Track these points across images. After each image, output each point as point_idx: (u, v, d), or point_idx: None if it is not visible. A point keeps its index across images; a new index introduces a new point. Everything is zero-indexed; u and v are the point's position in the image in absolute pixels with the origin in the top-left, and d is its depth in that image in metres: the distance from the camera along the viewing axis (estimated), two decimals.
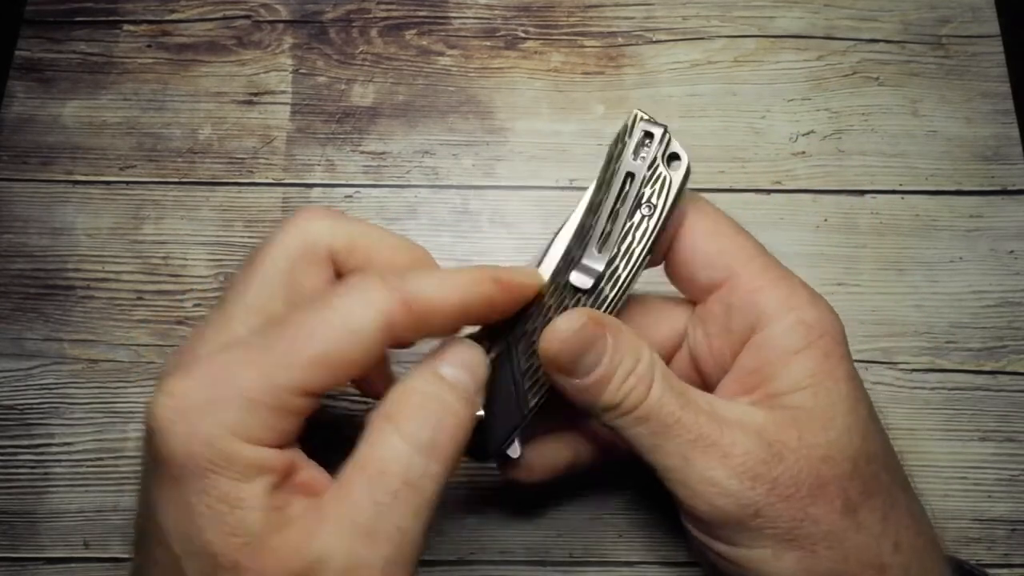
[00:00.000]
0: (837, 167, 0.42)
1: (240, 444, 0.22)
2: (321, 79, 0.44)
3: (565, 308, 0.27)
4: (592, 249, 0.27)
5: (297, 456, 0.24)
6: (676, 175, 0.26)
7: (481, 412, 0.27)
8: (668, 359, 0.30)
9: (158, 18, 0.45)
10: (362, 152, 0.42)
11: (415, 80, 0.44)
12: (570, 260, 0.27)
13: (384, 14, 0.45)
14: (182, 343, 0.28)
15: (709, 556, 0.27)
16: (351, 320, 0.23)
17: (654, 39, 0.44)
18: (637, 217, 0.27)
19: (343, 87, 0.43)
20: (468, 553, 0.36)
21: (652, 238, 0.27)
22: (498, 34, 0.44)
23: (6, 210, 0.41)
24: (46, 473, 0.37)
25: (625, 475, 0.37)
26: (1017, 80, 0.43)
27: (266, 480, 0.23)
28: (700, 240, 0.28)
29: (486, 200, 0.42)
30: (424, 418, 0.24)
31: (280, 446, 0.23)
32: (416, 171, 0.42)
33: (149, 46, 0.44)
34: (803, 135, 0.42)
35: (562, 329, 0.25)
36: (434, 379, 0.25)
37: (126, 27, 0.44)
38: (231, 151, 0.42)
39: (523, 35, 0.44)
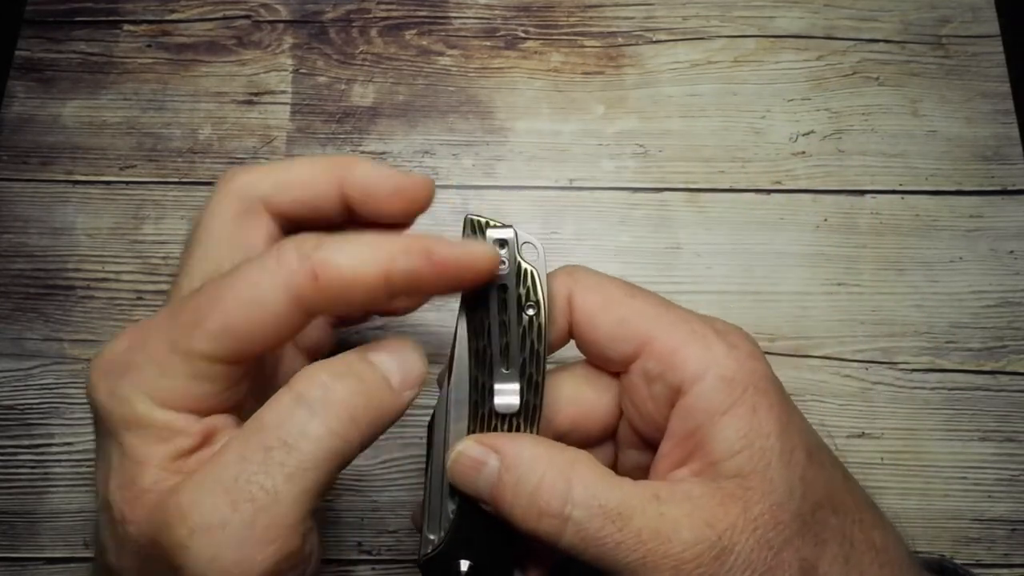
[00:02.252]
0: (837, 167, 0.42)
1: (151, 407, 0.22)
2: (321, 79, 0.44)
3: (501, 427, 0.27)
4: (499, 369, 0.26)
5: (220, 422, 0.23)
6: (539, 263, 0.26)
7: (465, 568, 0.27)
8: (613, 428, 0.29)
9: (158, 18, 0.45)
10: (362, 152, 0.42)
11: (415, 80, 0.44)
12: (482, 388, 0.26)
13: (384, 14, 0.45)
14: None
15: None
16: (256, 291, 0.22)
17: (654, 39, 0.44)
18: (525, 320, 0.26)
19: (343, 87, 0.43)
20: None
21: (546, 331, 0.26)
22: (498, 34, 0.44)
23: (6, 210, 0.41)
24: (46, 473, 0.37)
25: None
26: (1017, 80, 0.43)
27: (176, 444, 0.22)
28: (596, 316, 0.27)
29: (486, 200, 0.42)
30: (321, 382, 0.22)
31: (200, 412, 0.23)
32: (416, 171, 0.42)
33: (149, 46, 0.44)
34: (803, 135, 0.42)
35: (453, 455, 0.25)
36: (356, 356, 0.24)
37: (126, 27, 0.44)
38: (231, 151, 0.42)
39: (523, 35, 0.44)
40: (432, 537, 0.27)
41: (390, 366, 0.24)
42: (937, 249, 0.40)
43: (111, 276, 0.40)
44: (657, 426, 0.26)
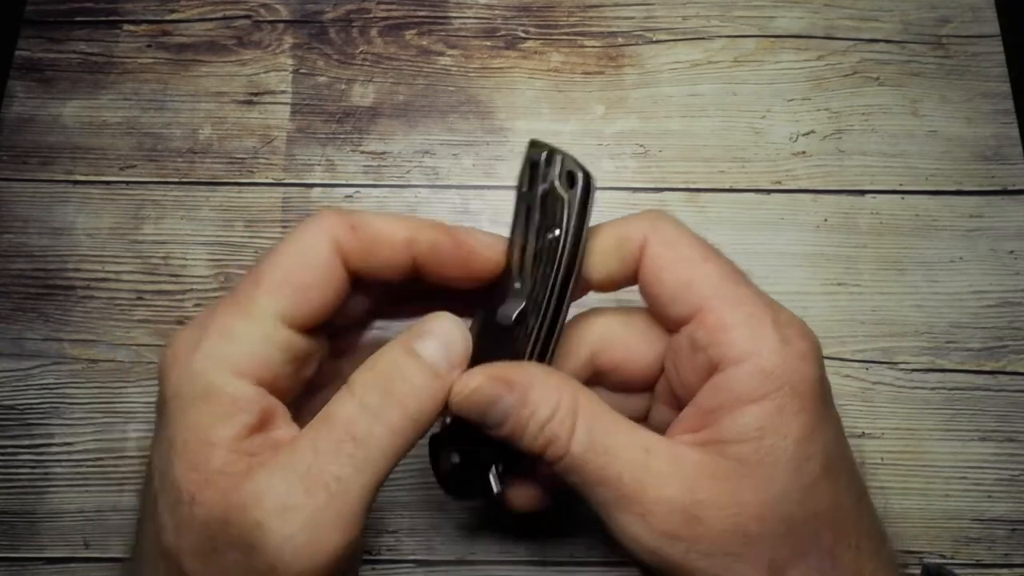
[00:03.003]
0: (837, 167, 0.42)
1: (223, 375, 0.24)
2: (321, 79, 0.44)
3: (500, 346, 0.27)
4: (513, 283, 0.27)
5: (279, 409, 0.25)
6: (573, 193, 0.25)
7: (456, 459, 0.28)
8: (652, 382, 0.29)
9: (158, 18, 0.45)
10: (362, 152, 0.42)
11: (415, 80, 0.44)
12: (495, 298, 0.27)
13: (384, 14, 0.45)
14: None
15: None
16: (303, 242, 0.25)
17: (654, 39, 0.44)
18: (544, 243, 0.26)
19: (343, 87, 0.43)
20: (468, 553, 0.36)
21: (563, 261, 0.26)
22: (498, 34, 0.44)
23: (6, 210, 0.41)
24: (46, 473, 0.37)
25: None
26: (1017, 80, 0.43)
27: (241, 421, 0.23)
28: (664, 271, 0.26)
29: (486, 200, 0.42)
30: (378, 382, 0.24)
31: (262, 383, 0.24)
32: (416, 171, 0.42)
33: (149, 46, 0.44)
34: (803, 135, 0.42)
35: (457, 392, 0.25)
36: (401, 350, 0.25)
37: (126, 27, 0.44)
38: (231, 151, 0.42)
39: (523, 35, 0.44)
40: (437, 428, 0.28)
41: (435, 353, 0.25)
42: (937, 249, 0.40)
43: (111, 276, 0.40)
44: (691, 392, 0.27)
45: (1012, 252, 0.40)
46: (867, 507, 0.26)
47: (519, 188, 0.27)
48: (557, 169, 0.26)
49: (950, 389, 0.38)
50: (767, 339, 0.25)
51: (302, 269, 0.25)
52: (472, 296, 0.28)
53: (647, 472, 0.24)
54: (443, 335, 0.25)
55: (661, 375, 0.29)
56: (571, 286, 0.26)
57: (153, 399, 0.38)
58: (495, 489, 0.28)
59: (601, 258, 0.27)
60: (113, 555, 0.36)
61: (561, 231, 0.25)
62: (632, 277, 0.27)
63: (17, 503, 0.37)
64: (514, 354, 0.26)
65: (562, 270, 0.26)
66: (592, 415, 0.25)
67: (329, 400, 0.24)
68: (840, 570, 0.25)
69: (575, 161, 0.26)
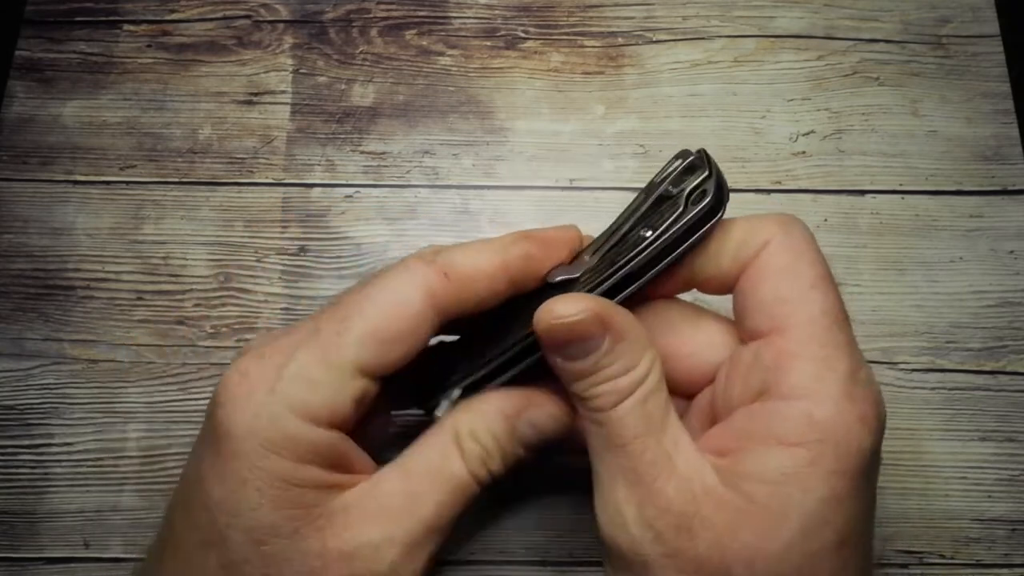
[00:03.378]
0: (837, 167, 0.42)
1: (301, 423, 0.24)
2: (321, 79, 0.44)
3: (528, 303, 0.26)
4: (583, 256, 0.27)
5: (351, 447, 0.25)
6: (692, 211, 0.24)
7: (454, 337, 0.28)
8: (698, 388, 0.27)
9: (158, 18, 0.45)
10: (362, 152, 0.42)
11: (415, 80, 0.44)
12: (571, 260, 0.27)
13: (384, 14, 0.45)
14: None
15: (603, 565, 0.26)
16: (396, 293, 0.25)
17: (654, 39, 0.44)
18: (633, 236, 0.25)
19: (343, 87, 0.43)
20: (468, 553, 0.36)
21: (640, 260, 0.25)
22: (498, 34, 0.44)
23: (6, 210, 0.41)
24: (46, 473, 0.37)
25: None
26: (1017, 80, 0.43)
27: (321, 463, 0.24)
28: (766, 281, 0.25)
29: (486, 200, 0.42)
30: (484, 460, 0.26)
31: (337, 428, 0.25)
32: (416, 171, 0.42)
33: (149, 46, 0.44)
34: (803, 135, 0.42)
35: (559, 313, 0.23)
36: (508, 432, 0.26)
37: (126, 27, 0.44)
38: (231, 151, 0.42)
39: (523, 35, 0.44)
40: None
41: (531, 439, 0.27)
42: (937, 249, 0.40)
43: (111, 276, 0.40)
44: (730, 408, 0.25)
45: (1012, 252, 0.40)
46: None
47: (655, 177, 0.26)
48: (695, 181, 0.25)
49: (950, 389, 0.38)
50: (830, 386, 0.23)
51: (393, 323, 0.25)
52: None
53: (668, 464, 0.23)
54: (544, 427, 0.27)
55: (707, 387, 0.27)
56: (634, 288, 0.25)
57: (153, 399, 0.38)
58: (438, 413, 0.27)
59: (715, 254, 0.26)
60: (113, 555, 0.36)
61: (654, 236, 0.25)
62: (730, 279, 0.26)
63: (17, 503, 0.37)
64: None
65: (632, 267, 0.25)
66: (653, 387, 0.24)
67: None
68: None
69: (718, 183, 0.25)
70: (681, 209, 0.25)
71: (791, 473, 0.22)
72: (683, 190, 0.25)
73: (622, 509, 0.24)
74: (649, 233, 0.25)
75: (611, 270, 0.25)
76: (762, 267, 0.25)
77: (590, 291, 0.25)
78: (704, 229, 0.25)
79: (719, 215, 0.25)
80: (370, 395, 0.25)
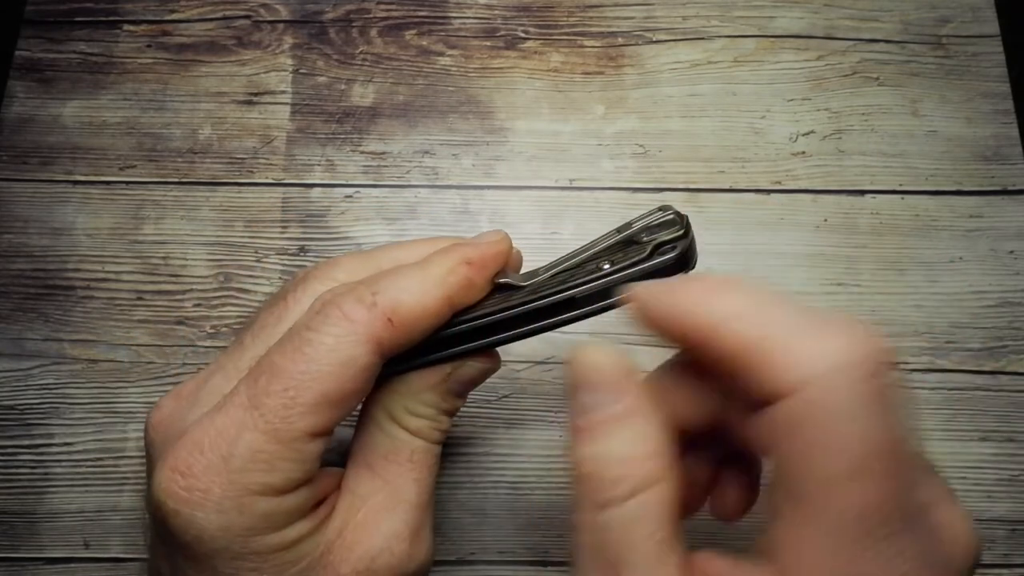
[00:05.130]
0: (837, 167, 0.42)
1: (270, 500, 0.22)
2: (321, 79, 0.44)
3: (487, 302, 0.26)
4: (539, 271, 0.27)
5: (316, 481, 0.24)
6: (655, 260, 0.24)
7: None
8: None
9: (158, 18, 0.45)
10: (362, 152, 0.42)
11: (415, 80, 0.44)
12: (526, 274, 0.27)
13: (384, 14, 0.45)
14: (187, 380, 0.26)
15: None
16: (340, 354, 0.22)
17: (654, 39, 0.44)
18: (592, 266, 0.25)
19: (343, 87, 0.43)
20: (468, 553, 0.36)
21: (587, 288, 0.25)
22: (498, 34, 0.44)
23: (6, 210, 0.41)
24: (46, 473, 0.37)
25: None
26: (1017, 80, 0.43)
27: (301, 513, 0.24)
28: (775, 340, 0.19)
29: (486, 200, 0.42)
30: (433, 428, 0.27)
31: (305, 482, 0.23)
32: (416, 171, 0.42)
33: (149, 46, 0.44)
34: (803, 135, 0.42)
35: (589, 355, 0.22)
36: (441, 393, 0.26)
37: (126, 27, 0.44)
38: (231, 151, 0.42)
39: (523, 35, 0.44)
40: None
41: (461, 388, 0.27)
42: (937, 249, 0.40)
43: (111, 276, 0.40)
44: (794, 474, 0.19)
45: (1012, 252, 0.40)
46: None
47: (632, 219, 0.26)
48: (667, 236, 0.25)
49: (950, 389, 0.38)
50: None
51: (342, 384, 0.23)
52: None
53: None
54: (469, 376, 0.27)
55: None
56: (570, 316, 0.25)
57: (153, 399, 0.38)
58: None
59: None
60: (113, 555, 0.36)
61: (611, 269, 0.25)
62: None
63: (17, 503, 0.37)
64: (456, 317, 0.26)
65: (577, 292, 0.25)
66: (662, 500, 0.20)
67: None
68: None
69: (690, 246, 0.25)
70: (645, 254, 0.25)
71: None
72: (654, 239, 0.25)
73: None
74: (607, 266, 0.25)
75: (556, 288, 0.25)
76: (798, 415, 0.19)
77: (530, 302, 0.25)
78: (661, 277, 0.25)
79: (684, 272, 0.25)
80: (328, 443, 0.24)
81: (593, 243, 0.27)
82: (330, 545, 0.24)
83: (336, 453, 0.27)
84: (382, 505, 0.25)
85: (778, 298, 0.20)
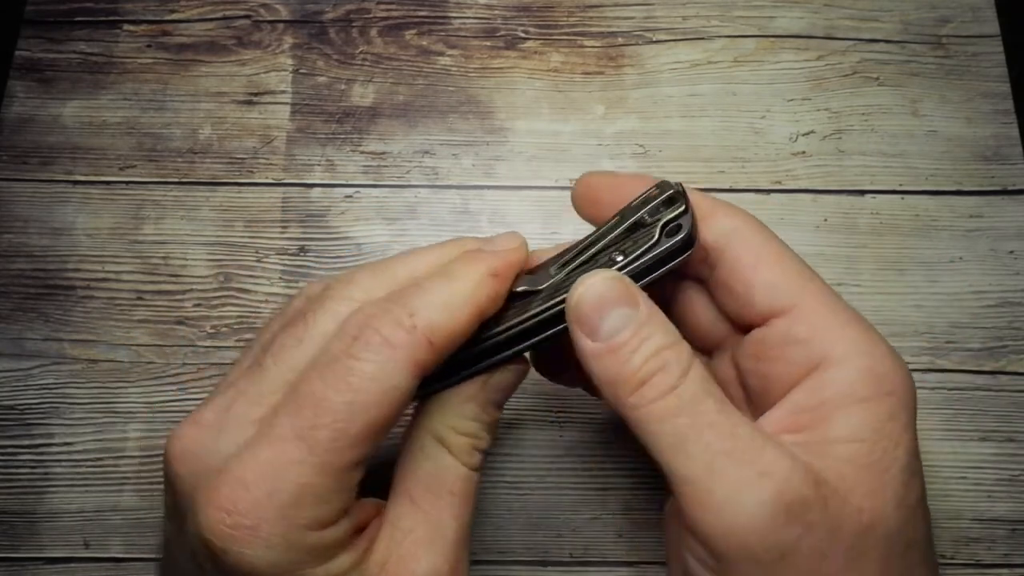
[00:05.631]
0: (837, 167, 0.42)
1: (314, 534, 0.22)
2: (321, 79, 0.44)
3: (509, 309, 0.26)
4: (550, 269, 0.26)
5: (358, 508, 0.24)
6: (666, 244, 0.25)
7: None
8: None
9: (158, 18, 0.45)
10: (362, 152, 0.42)
11: (415, 80, 0.44)
12: (534, 272, 0.27)
13: (384, 14, 0.45)
14: (204, 406, 0.25)
15: None
16: (383, 383, 0.22)
17: (654, 39, 0.44)
18: (605, 258, 0.25)
19: (343, 87, 0.43)
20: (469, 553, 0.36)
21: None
22: (498, 34, 0.44)
23: (6, 210, 0.41)
24: (46, 473, 0.37)
25: (625, 475, 0.37)
26: (1017, 80, 0.43)
27: (343, 545, 0.23)
28: (762, 263, 0.25)
29: (486, 200, 0.42)
30: (474, 446, 0.26)
31: (347, 512, 0.23)
32: (416, 171, 0.42)
33: (149, 46, 0.44)
34: (803, 135, 0.42)
35: (592, 280, 0.24)
36: (482, 404, 0.26)
37: (126, 27, 0.44)
38: (231, 151, 0.42)
39: (523, 35, 0.44)
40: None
41: (500, 398, 0.27)
42: (937, 249, 0.40)
43: (111, 276, 0.40)
44: (769, 387, 0.25)
45: (1012, 252, 0.40)
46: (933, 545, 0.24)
47: (632, 201, 0.26)
48: (671, 214, 0.25)
49: (950, 389, 0.38)
50: (877, 345, 0.23)
51: (387, 411, 0.23)
52: None
53: (764, 441, 0.22)
54: (508, 383, 0.27)
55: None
56: None
57: (153, 399, 0.38)
58: None
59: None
60: (113, 555, 0.36)
61: (625, 261, 0.25)
62: (702, 261, 0.26)
63: (17, 503, 0.37)
64: (482, 329, 0.26)
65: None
66: (706, 374, 0.23)
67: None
68: None
69: (694, 220, 0.25)
70: (655, 239, 0.25)
71: (879, 428, 0.22)
72: (658, 220, 0.25)
73: (738, 497, 0.21)
74: (620, 258, 0.25)
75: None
76: (749, 255, 0.25)
77: (553, 306, 0.25)
78: (675, 263, 0.25)
79: (691, 251, 0.25)
80: (365, 469, 0.24)
81: (599, 233, 0.26)
82: (375, 569, 0.24)
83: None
84: (423, 539, 0.25)
85: (767, 230, 0.26)
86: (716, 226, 0.26)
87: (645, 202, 0.26)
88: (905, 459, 0.22)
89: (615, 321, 0.23)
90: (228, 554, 0.22)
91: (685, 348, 0.23)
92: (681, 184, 0.26)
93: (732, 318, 0.27)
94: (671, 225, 0.25)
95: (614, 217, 0.27)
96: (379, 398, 0.22)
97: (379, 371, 0.22)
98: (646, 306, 0.24)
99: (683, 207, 0.25)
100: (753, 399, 0.26)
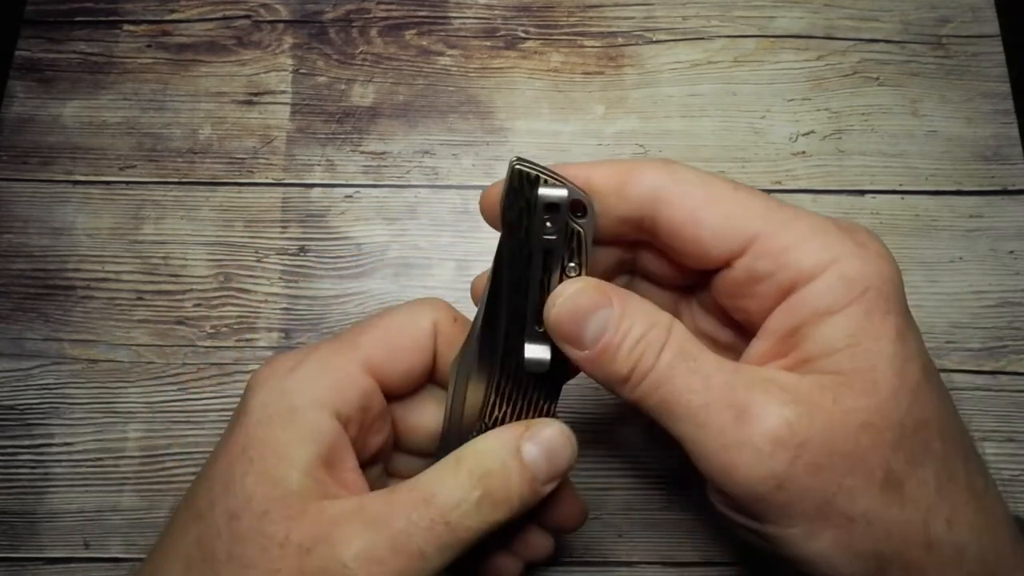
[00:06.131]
0: (837, 167, 0.42)
1: (306, 401, 0.25)
2: (321, 79, 0.44)
3: (526, 390, 0.26)
4: (533, 328, 0.25)
5: (348, 450, 0.26)
6: (586, 223, 0.24)
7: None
8: (694, 273, 0.27)
9: (158, 18, 0.45)
10: (362, 152, 0.42)
11: (415, 80, 0.44)
12: (512, 344, 0.26)
13: (384, 14, 0.45)
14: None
15: (739, 533, 0.25)
16: (408, 315, 0.28)
17: (654, 39, 0.44)
18: (567, 280, 0.25)
19: (343, 87, 0.43)
20: None
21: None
22: (498, 34, 0.44)
23: (6, 210, 0.41)
24: (46, 473, 0.37)
25: (625, 475, 0.37)
26: (1017, 80, 0.43)
27: (315, 448, 0.25)
28: (699, 211, 0.24)
29: None
30: (482, 477, 0.25)
31: (341, 423, 0.25)
32: (416, 171, 0.42)
33: (149, 46, 0.44)
34: (803, 135, 0.42)
35: (564, 295, 0.24)
36: (511, 450, 0.25)
37: (126, 27, 0.44)
38: (231, 151, 0.42)
39: (523, 35, 0.44)
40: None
41: (538, 461, 0.26)
42: (937, 249, 0.40)
43: (111, 276, 0.40)
44: (752, 319, 0.25)
45: (1012, 252, 0.40)
46: (963, 423, 0.25)
47: (524, 230, 0.24)
48: (567, 207, 0.24)
49: (950, 389, 0.38)
50: (840, 246, 0.23)
51: (400, 334, 0.27)
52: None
53: (741, 385, 0.23)
54: (551, 445, 0.26)
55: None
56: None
57: (153, 399, 0.38)
58: None
59: (612, 214, 0.25)
60: (113, 555, 0.36)
61: (583, 265, 0.25)
62: (639, 228, 0.26)
63: (17, 503, 0.37)
64: (535, 407, 0.27)
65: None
66: (684, 337, 0.24)
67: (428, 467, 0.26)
68: (955, 483, 0.23)
69: (573, 186, 0.24)
70: (579, 230, 0.24)
71: (856, 331, 0.23)
72: (565, 225, 0.24)
73: (723, 442, 0.22)
74: (572, 271, 0.25)
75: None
76: (684, 208, 0.25)
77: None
78: (594, 222, 0.24)
79: (594, 207, 0.24)
80: (376, 403, 0.27)
81: (531, 267, 0.25)
82: (305, 510, 0.25)
83: None
84: (366, 521, 0.25)
85: (691, 174, 0.26)
86: (635, 191, 0.25)
87: (512, 198, 0.24)
88: (891, 348, 0.23)
89: (596, 325, 0.24)
90: (249, 390, 0.26)
91: (662, 323, 0.24)
92: (517, 158, 0.24)
93: (696, 268, 0.26)
94: (571, 209, 0.24)
95: (514, 263, 0.25)
96: (396, 322, 0.28)
97: (408, 307, 0.28)
98: (618, 299, 0.24)
99: (553, 183, 0.24)
100: (745, 328, 0.26)
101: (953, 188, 0.41)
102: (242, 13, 0.45)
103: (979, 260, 0.40)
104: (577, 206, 0.24)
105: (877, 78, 0.43)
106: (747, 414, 0.22)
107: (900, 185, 0.41)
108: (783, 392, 0.23)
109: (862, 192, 0.41)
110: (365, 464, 0.27)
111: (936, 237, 0.41)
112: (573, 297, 0.24)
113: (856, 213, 0.41)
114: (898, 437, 0.22)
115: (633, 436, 0.38)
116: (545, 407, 0.27)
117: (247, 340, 0.39)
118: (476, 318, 0.26)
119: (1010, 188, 0.41)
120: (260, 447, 0.24)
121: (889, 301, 0.23)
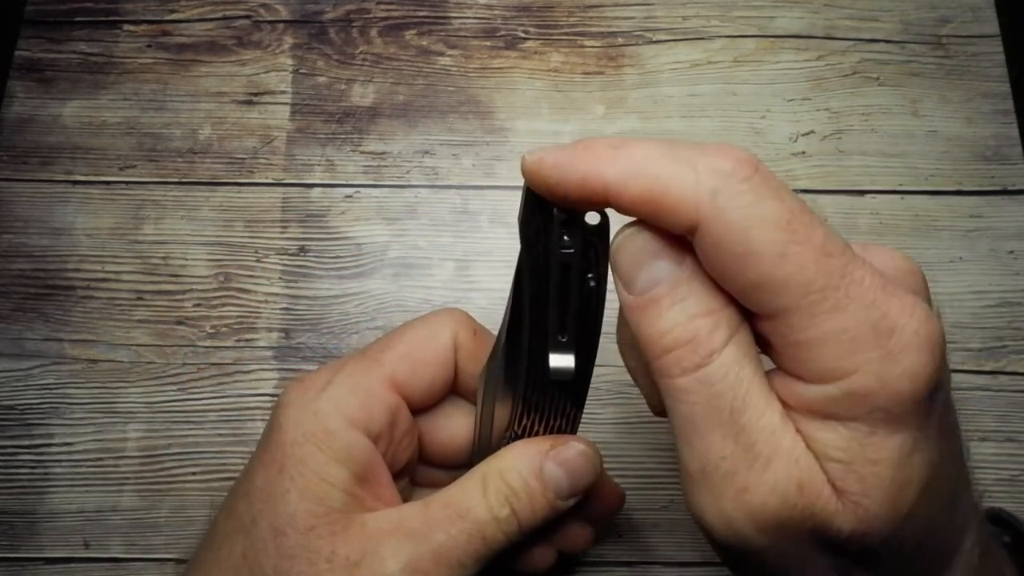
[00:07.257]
0: (837, 167, 0.42)
1: (340, 421, 0.26)
2: (321, 79, 0.44)
3: (552, 397, 0.27)
4: (555, 337, 0.25)
5: (381, 466, 0.27)
6: (603, 238, 0.24)
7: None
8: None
9: (158, 18, 0.45)
10: (362, 152, 0.42)
11: (415, 80, 0.44)
12: (536, 355, 0.26)
13: (384, 14, 0.45)
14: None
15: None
16: (429, 328, 0.29)
17: (654, 39, 0.44)
18: (585, 291, 0.25)
19: (343, 87, 0.43)
20: None
21: (603, 299, 0.25)
22: (498, 34, 0.44)
23: (6, 210, 0.41)
24: (46, 473, 0.37)
25: (625, 475, 0.37)
26: (1017, 80, 0.43)
27: (351, 468, 0.26)
28: (754, 259, 0.19)
29: (486, 200, 0.42)
30: (508, 495, 0.26)
31: (372, 439, 0.27)
32: (416, 171, 0.42)
33: (149, 46, 0.44)
34: (803, 135, 0.42)
35: (637, 228, 0.21)
36: (534, 470, 0.27)
37: (126, 27, 0.44)
38: (231, 151, 0.42)
39: (523, 35, 0.44)
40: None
41: (561, 482, 0.27)
42: (937, 249, 0.40)
43: (111, 276, 0.40)
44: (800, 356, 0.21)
45: (1012, 252, 0.40)
46: (957, 511, 0.23)
47: (541, 247, 0.24)
48: (581, 220, 0.24)
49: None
50: (862, 357, 0.20)
51: (422, 349, 0.28)
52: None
53: (786, 429, 0.20)
54: (573, 465, 0.27)
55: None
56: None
57: (153, 399, 0.38)
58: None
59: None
60: (113, 555, 0.36)
61: (602, 277, 0.24)
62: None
63: (17, 503, 0.37)
64: (562, 413, 0.27)
65: (601, 312, 0.25)
66: (740, 356, 0.20)
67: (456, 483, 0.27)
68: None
69: (589, 249, 0.24)
70: (597, 243, 0.24)
71: (852, 448, 0.20)
72: (582, 239, 0.24)
73: (720, 506, 0.21)
74: (592, 283, 0.24)
75: (594, 329, 0.25)
76: (733, 230, 0.19)
77: (590, 349, 0.26)
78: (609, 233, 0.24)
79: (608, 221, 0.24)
80: (403, 419, 0.28)
81: (549, 285, 0.25)
82: (349, 523, 0.26)
83: None
84: (408, 532, 0.26)
85: (656, 144, 0.21)
86: (670, 221, 0.20)
87: (529, 215, 0.24)
88: (888, 473, 0.21)
89: (654, 273, 0.21)
90: (280, 408, 0.27)
91: (724, 319, 0.20)
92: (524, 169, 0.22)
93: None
94: (588, 278, 0.24)
95: (535, 276, 0.24)
96: (420, 336, 0.29)
97: (430, 320, 0.30)
98: (692, 265, 0.20)
99: (581, 239, 0.24)
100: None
101: (953, 188, 0.41)
102: (242, 13, 0.45)
103: (979, 260, 0.40)
104: (598, 224, 0.24)
105: (877, 78, 0.43)
106: (747, 495, 0.20)
107: (900, 185, 0.41)
108: (795, 480, 0.20)
109: (862, 192, 0.41)
110: (395, 476, 0.28)
111: (936, 237, 0.41)
112: (647, 235, 0.21)
113: (856, 213, 0.41)
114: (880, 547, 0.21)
115: (633, 436, 0.38)
116: (572, 413, 0.27)
117: (247, 340, 0.39)
118: (500, 332, 0.27)
119: (1010, 188, 0.41)
120: (299, 466, 0.26)
121: (900, 421, 0.21)
